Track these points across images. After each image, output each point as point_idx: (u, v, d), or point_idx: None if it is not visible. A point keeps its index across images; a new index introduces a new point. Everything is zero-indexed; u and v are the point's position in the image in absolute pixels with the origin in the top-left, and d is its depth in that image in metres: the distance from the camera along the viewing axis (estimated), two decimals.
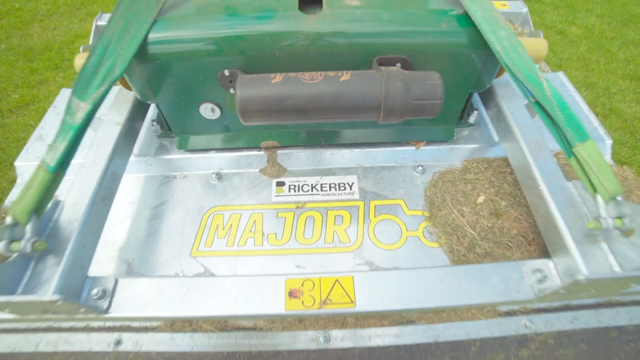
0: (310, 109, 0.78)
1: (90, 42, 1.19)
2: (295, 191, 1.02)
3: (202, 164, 1.07)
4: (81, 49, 1.13)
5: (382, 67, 0.79)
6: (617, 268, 0.71)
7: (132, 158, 1.02)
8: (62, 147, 0.71)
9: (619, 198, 0.71)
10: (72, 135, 0.72)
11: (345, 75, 0.78)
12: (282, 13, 0.84)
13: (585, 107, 1.12)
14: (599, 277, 0.67)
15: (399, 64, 0.84)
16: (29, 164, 1.03)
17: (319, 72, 0.79)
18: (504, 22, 0.81)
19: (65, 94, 1.16)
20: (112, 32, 0.79)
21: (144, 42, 0.80)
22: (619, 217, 0.70)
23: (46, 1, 2.89)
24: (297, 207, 0.98)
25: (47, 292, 0.66)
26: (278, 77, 0.77)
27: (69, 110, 0.73)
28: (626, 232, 0.72)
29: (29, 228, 0.68)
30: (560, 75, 1.26)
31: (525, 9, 1.32)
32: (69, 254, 0.71)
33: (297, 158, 1.08)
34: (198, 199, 1.01)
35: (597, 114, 1.79)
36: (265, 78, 0.78)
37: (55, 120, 1.14)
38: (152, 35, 0.80)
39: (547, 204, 0.79)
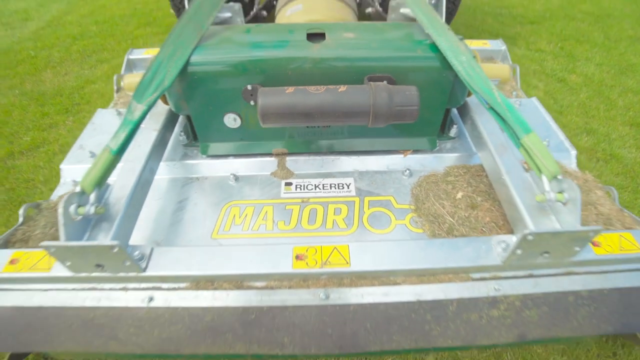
0: (315, 113, 1.06)
1: (122, 71, 1.75)
2: (301, 189, 1.28)
3: (221, 168, 1.34)
4: (115, 77, 1.69)
5: (371, 82, 1.08)
6: (557, 226, 0.96)
7: (160, 163, 1.29)
8: (122, 136, 1.01)
9: (559, 177, 0.97)
10: (130, 128, 1.02)
11: (342, 88, 1.07)
12: (294, 42, 1.15)
13: (554, 125, 1.44)
14: (542, 231, 0.90)
15: (385, 81, 1.10)
16: (71, 167, 1.33)
17: (322, 86, 1.07)
18: (465, 50, 1.10)
19: (100, 113, 1.55)
20: (164, 55, 1.10)
21: (187, 63, 1.10)
22: (560, 192, 0.97)
23: (59, 49, 3.19)
24: (302, 202, 1.23)
25: (109, 233, 0.95)
26: (290, 89, 1.06)
27: (129, 110, 1.04)
28: (565, 203, 0.96)
29: (92, 196, 0.96)
30: (534, 100, 1.59)
31: (504, 47, 1.85)
32: (120, 218, 0.99)
33: (302, 163, 1.34)
34: (217, 196, 1.26)
35: (598, 159, 1.92)
36: (281, 90, 1.06)
37: (93, 133, 1.45)
38: (193, 58, 1.11)
39: (509, 188, 1.06)
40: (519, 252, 0.95)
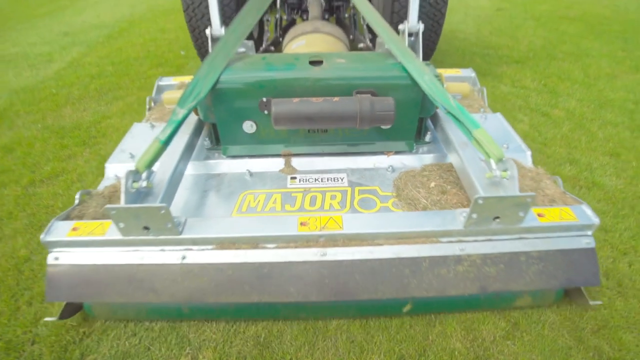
0: (316, 117, 1.36)
1: (153, 95, 2.19)
2: (303, 182, 1.56)
3: (239, 166, 1.64)
4: (147, 99, 2.08)
5: (358, 95, 1.40)
6: (502, 193, 1.23)
7: (188, 162, 1.60)
8: (168, 131, 1.35)
9: (503, 159, 1.25)
10: (175, 126, 1.36)
11: (336, 99, 1.38)
12: (299, 66, 1.49)
13: (513, 133, 1.76)
14: (488, 196, 1.16)
15: (369, 94, 1.41)
16: (114, 165, 1.66)
17: (321, 97, 1.39)
18: (428, 71, 1.43)
19: (136, 126, 1.90)
20: (200, 75, 1.45)
21: (217, 81, 1.44)
22: (504, 170, 1.25)
23: (78, 87, 3.38)
24: (305, 191, 1.51)
25: (156, 202, 1.22)
26: (296, 100, 1.38)
27: (174, 113, 1.39)
28: (509, 179, 1.24)
29: (144, 175, 1.28)
30: (498, 115, 1.93)
31: (473, 74, 2.30)
32: (163, 192, 1.28)
33: (305, 162, 1.63)
34: (235, 187, 1.55)
35: (581, 187, 2.02)
36: (289, 100, 1.38)
37: (131, 141, 1.79)
38: (222, 77, 1.45)
39: (468, 172, 1.36)
40: (474, 216, 1.21)
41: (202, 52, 2.92)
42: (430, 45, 2.79)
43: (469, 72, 2.27)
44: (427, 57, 2.91)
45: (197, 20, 2.63)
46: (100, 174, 2.20)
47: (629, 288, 1.52)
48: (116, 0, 6.96)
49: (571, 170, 2.14)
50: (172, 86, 2.25)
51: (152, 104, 2.14)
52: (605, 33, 4.35)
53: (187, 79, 2.28)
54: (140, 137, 1.76)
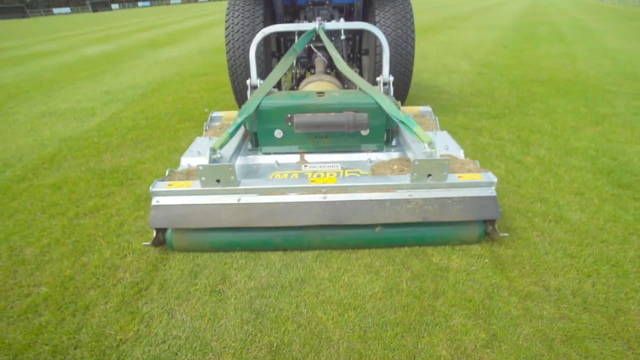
0: (321, 124, 2.08)
1: (206, 126, 2.89)
2: (312, 168, 2.19)
3: (270, 159, 2.28)
4: (205, 124, 2.92)
5: (346, 112, 2.10)
6: (428, 148, 1.91)
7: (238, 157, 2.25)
8: (232, 129, 2.04)
9: (432, 142, 1.92)
10: (235, 128, 2.05)
11: (333, 114, 2.10)
12: (310, 96, 2.20)
13: (453, 141, 2.40)
14: (420, 158, 1.84)
15: (352, 112, 2.09)
16: (186, 159, 2.27)
17: (324, 113, 2.11)
18: (388, 99, 2.13)
19: (199, 138, 2.55)
20: (249, 102, 2.14)
21: (259, 105, 2.14)
22: (432, 149, 1.90)
23: (117, 137, 3.66)
24: (313, 172, 2.11)
25: (227, 163, 1.88)
26: (310, 115, 2.10)
27: (235, 120, 2.06)
28: (434, 153, 1.89)
29: (217, 152, 1.94)
30: (445, 133, 2.55)
31: (429, 109, 3.01)
32: (228, 160, 1.95)
33: (313, 157, 2.28)
34: (267, 170, 2.18)
35: (550, 221, 2.17)
36: (304, 114, 2.10)
37: (195, 147, 2.42)
38: (263, 103, 2.16)
39: (414, 154, 1.98)
40: (415, 174, 1.88)
41: (238, 96, 3.62)
42: (404, 90, 3.64)
43: (428, 108, 3.04)
44: (402, 98, 3.69)
45: (237, 74, 3.42)
46: (137, 209, 2.43)
47: (592, 304, 1.62)
48: (148, 65, 7.54)
49: (541, 207, 2.29)
50: (220, 117, 3.00)
51: (207, 127, 2.86)
52: (569, 93, 4.68)
53: (230, 113, 3.00)
54: (202, 144, 2.46)
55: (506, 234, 1.92)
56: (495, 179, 1.90)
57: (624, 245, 1.96)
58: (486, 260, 1.89)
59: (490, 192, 1.90)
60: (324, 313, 1.62)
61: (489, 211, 1.86)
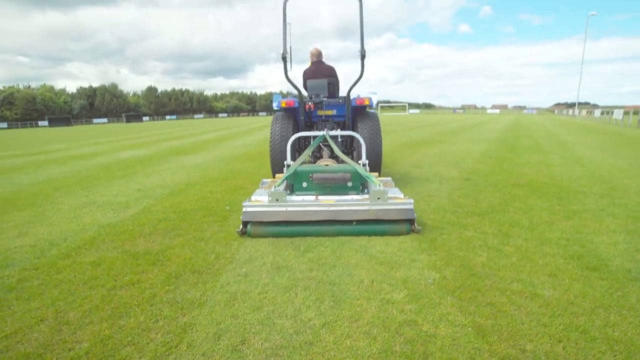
0: (328, 178, 4.07)
1: (260, 185, 5.02)
2: (321, 199, 3.88)
3: (300, 197, 3.90)
4: (261, 182, 5.13)
5: (341, 172, 4.14)
6: (378, 188, 3.70)
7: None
8: (285, 176, 4.04)
9: (380, 184, 3.82)
10: (282, 180, 4.04)
11: (333, 174, 4.08)
12: (322, 166, 4.24)
13: (396, 189, 4.33)
14: (372, 189, 3.69)
15: (343, 173, 4.13)
16: (254, 197, 3.92)
17: (328, 173, 4.08)
18: (361, 168, 4.09)
19: (258, 190, 4.39)
20: (290, 169, 4.10)
21: (295, 170, 4.06)
22: (381, 187, 3.71)
23: (149, 226, 4.12)
24: (323, 203, 3.68)
25: (281, 189, 3.90)
26: (321, 173, 4.09)
27: (283, 177, 4.07)
28: (381, 188, 3.67)
29: (279, 187, 4.00)
30: (397, 189, 4.30)
31: (390, 178, 5.27)
32: (282, 190, 3.84)
33: (321, 197, 3.97)
34: (300, 202, 3.72)
35: (525, 297, 2.45)
36: (319, 173, 4.08)
37: (258, 192, 4.24)
38: (297, 169, 4.07)
39: (372, 190, 3.71)
40: (372, 198, 3.59)
41: (274, 169, 5.60)
42: (378, 165, 5.55)
43: (389, 178, 5.11)
44: (377, 171, 5.53)
45: (276, 157, 5.49)
46: (168, 284, 2.80)
47: None
48: (176, 169, 8.44)
49: (518, 286, 2.59)
50: (267, 182, 4.92)
51: (261, 186, 4.75)
52: (545, 194, 5.22)
53: (272, 180, 4.93)
54: (259, 192, 4.19)
55: (420, 228, 3.67)
56: (412, 200, 3.63)
57: (592, 316, 2.21)
58: (469, 328, 2.13)
59: (410, 206, 3.58)
60: None
61: (409, 215, 3.57)
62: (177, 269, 2.96)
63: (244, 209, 3.53)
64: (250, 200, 3.72)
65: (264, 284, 2.73)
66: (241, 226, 3.62)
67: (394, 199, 3.62)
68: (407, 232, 3.58)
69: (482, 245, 3.38)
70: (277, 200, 3.54)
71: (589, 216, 4.15)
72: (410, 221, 3.62)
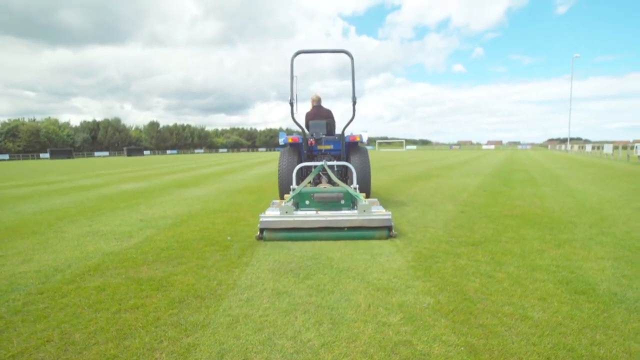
0: (326, 197, 5.15)
1: (271, 204, 6.28)
2: (321, 213, 4.96)
3: (305, 212, 4.95)
4: (271, 202, 6.46)
5: (334, 193, 5.25)
6: (364, 203, 4.78)
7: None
8: (293, 194, 5.15)
9: (365, 200, 4.99)
10: (290, 199, 5.05)
11: (330, 194, 5.17)
12: (321, 188, 5.43)
13: (381, 207, 5.45)
14: (361, 204, 4.75)
15: (337, 194, 5.21)
16: (268, 212, 5.03)
17: (327, 194, 5.17)
18: (352, 190, 5.21)
19: (270, 207, 5.69)
20: (295, 191, 5.22)
21: (300, 191, 5.15)
22: (366, 202, 4.77)
23: (152, 255, 4.22)
24: (321, 215, 4.79)
25: (290, 207, 4.78)
26: (321, 193, 5.19)
27: (290, 197, 5.16)
28: (367, 203, 4.81)
29: (289, 202, 5.00)
30: (380, 207, 5.47)
31: (376, 199, 6.69)
32: (291, 204, 4.92)
33: (321, 212, 4.91)
34: (305, 215, 4.81)
35: (516, 319, 2.54)
36: (319, 193, 5.18)
37: (269, 210, 5.33)
38: (302, 190, 5.17)
39: (362, 205, 4.73)
40: (360, 211, 4.65)
41: (282, 192, 6.65)
42: (367, 189, 6.65)
43: (375, 199, 6.21)
44: (366, 192, 6.57)
45: (283, 183, 6.63)
46: (171, 307, 2.88)
47: None
48: (177, 201, 8.58)
49: (509, 309, 2.68)
50: (276, 202, 5.97)
51: (272, 205, 5.86)
52: (537, 224, 5.37)
53: (281, 201, 5.79)
54: (270, 210, 5.22)
55: (396, 233, 4.72)
56: (390, 213, 4.73)
57: (579, 336, 2.31)
58: (462, 348, 2.22)
59: (389, 216, 4.61)
60: None
61: (387, 223, 4.59)
62: (180, 294, 3.04)
63: (260, 219, 4.60)
64: (265, 213, 4.83)
65: (265, 307, 2.82)
66: (258, 232, 4.64)
67: (377, 212, 4.72)
68: (387, 237, 4.59)
69: (475, 272, 3.49)
70: (286, 212, 4.61)
71: (578, 245, 4.29)
72: (389, 228, 4.62)
